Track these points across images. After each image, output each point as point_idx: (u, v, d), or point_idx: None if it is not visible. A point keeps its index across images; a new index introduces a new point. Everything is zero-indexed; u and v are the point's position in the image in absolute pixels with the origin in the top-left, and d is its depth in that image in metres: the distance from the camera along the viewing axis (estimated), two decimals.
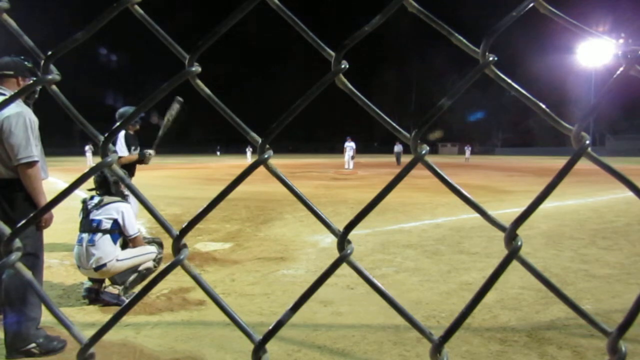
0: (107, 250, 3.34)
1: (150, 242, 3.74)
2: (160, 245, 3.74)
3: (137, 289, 3.53)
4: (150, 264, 3.56)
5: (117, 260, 3.38)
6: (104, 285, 3.50)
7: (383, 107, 0.55)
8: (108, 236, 3.37)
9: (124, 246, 3.53)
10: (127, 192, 3.76)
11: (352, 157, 20.55)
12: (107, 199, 3.50)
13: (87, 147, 30.09)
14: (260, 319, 3.17)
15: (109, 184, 3.55)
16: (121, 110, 4.82)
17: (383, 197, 0.54)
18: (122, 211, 3.47)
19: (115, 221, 3.42)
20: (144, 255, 3.53)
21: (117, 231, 3.44)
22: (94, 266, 3.30)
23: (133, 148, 4.98)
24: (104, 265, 3.32)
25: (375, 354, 2.64)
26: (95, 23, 0.57)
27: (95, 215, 3.41)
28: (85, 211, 3.47)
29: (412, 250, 5.16)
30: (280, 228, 6.55)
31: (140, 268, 3.50)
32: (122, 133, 4.80)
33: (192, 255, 4.81)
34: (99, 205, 3.45)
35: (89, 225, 3.39)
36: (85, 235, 3.37)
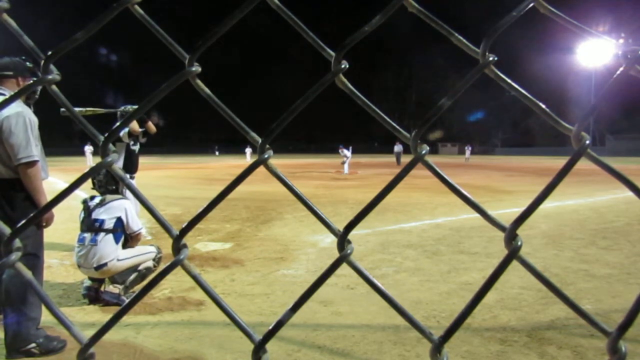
0: (109, 250, 3.35)
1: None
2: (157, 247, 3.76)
3: (137, 288, 3.54)
4: (150, 264, 3.57)
5: (118, 260, 3.38)
6: (103, 285, 3.51)
7: (383, 107, 0.55)
8: (110, 236, 3.38)
9: (123, 245, 3.54)
10: (126, 191, 3.77)
11: (343, 162, 20.87)
12: (109, 197, 3.51)
13: (86, 147, 30.11)
14: (260, 319, 3.17)
15: (111, 183, 3.56)
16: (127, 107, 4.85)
17: (383, 197, 0.54)
18: (125, 208, 3.48)
19: (119, 219, 3.43)
20: (144, 254, 3.54)
21: (120, 229, 3.44)
22: (94, 265, 3.31)
23: (132, 143, 5.16)
24: (105, 264, 3.32)
25: (375, 354, 2.64)
26: (95, 23, 0.57)
27: (99, 214, 3.42)
28: (87, 210, 3.47)
29: (412, 250, 5.16)
30: (280, 228, 6.55)
31: (140, 267, 3.51)
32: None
33: (192, 255, 4.81)
34: (101, 204, 3.46)
35: (91, 225, 3.40)
36: (87, 235, 3.37)
